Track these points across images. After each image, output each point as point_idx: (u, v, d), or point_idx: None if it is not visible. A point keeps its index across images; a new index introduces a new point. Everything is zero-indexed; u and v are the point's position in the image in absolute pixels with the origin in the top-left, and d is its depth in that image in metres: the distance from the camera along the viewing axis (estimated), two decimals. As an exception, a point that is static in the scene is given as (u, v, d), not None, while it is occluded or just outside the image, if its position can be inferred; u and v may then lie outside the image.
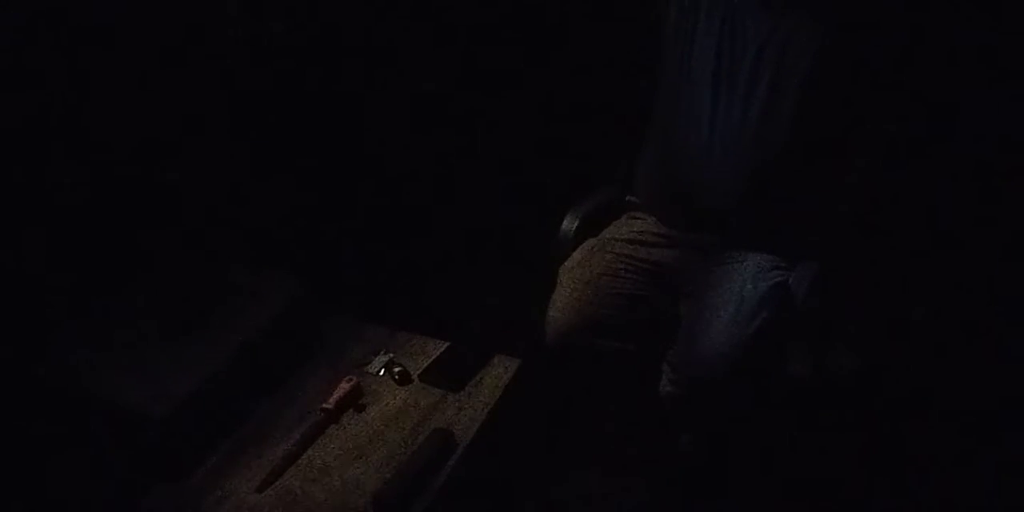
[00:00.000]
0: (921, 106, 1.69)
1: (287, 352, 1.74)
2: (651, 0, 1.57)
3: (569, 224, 1.74)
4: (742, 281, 1.51)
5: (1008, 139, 1.75)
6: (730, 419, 1.59)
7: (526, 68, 2.09)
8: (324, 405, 1.58)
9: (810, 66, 1.44)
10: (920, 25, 1.54)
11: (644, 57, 1.62)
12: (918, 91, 1.64)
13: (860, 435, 1.83)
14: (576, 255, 1.69)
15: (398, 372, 1.64)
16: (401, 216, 2.34)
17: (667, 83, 1.58)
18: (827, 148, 1.55)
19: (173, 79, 1.93)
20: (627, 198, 1.78)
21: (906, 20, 1.50)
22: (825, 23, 1.44)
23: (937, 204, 1.88)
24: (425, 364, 1.68)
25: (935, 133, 1.76)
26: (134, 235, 1.90)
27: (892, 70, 1.51)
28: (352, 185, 2.29)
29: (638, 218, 1.73)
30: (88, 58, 1.77)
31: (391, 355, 1.71)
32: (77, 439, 1.64)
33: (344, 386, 1.61)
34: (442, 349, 1.72)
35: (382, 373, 1.68)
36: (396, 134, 2.25)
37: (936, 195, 1.86)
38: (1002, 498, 1.67)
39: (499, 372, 1.64)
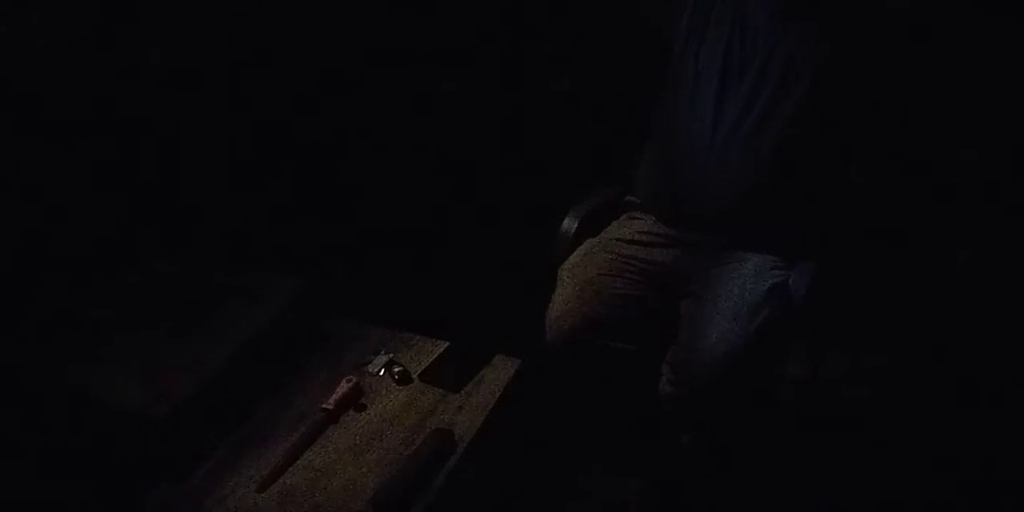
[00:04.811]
0: (922, 109, 1.69)
1: (287, 352, 1.74)
2: (660, 0, 1.57)
3: (569, 224, 1.74)
4: (742, 281, 1.51)
5: (1007, 144, 1.75)
6: (730, 419, 1.59)
7: (527, 67, 2.09)
8: (324, 405, 1.57)
9: (816, 73, 1.45)
10: (924, 34, 1.55)
11: (646, 57, 1.62)
12: (920, 95, 1.65)
13: (859, 435, 1.83)
14: (576, 255, 1.69)
15: (398, 372, 1.64)
16: (401, 216, 2.34)
17: (671, 83, 1.58)
18: (828, 150, 1.55)
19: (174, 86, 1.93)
20: (627, 198, 1.78)
21: (912, 32, 1.51)
22: (834, 33, 1.45)
23: (937, 204, 1.88)
24: (425, 364, 1.68)
25: (935, 135, 1.77)
26: (134, 235, 1.90)
27: (895, 77, 1.52)
28: (352, 185, 2.29)
29: (638, 218, 1.73)
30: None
31: (391, 355, 1.71)
32: (77, 439, 1.64)
33: (344, 386, 1.60)
34: (442, 349, 1.72)
35: (382, 373, 1.67)
36: (396, 134, 2.25)
37: (935, 195, 1.87)
38: (1000, 498, 1.67)
39: (499, 372, 1.64)
